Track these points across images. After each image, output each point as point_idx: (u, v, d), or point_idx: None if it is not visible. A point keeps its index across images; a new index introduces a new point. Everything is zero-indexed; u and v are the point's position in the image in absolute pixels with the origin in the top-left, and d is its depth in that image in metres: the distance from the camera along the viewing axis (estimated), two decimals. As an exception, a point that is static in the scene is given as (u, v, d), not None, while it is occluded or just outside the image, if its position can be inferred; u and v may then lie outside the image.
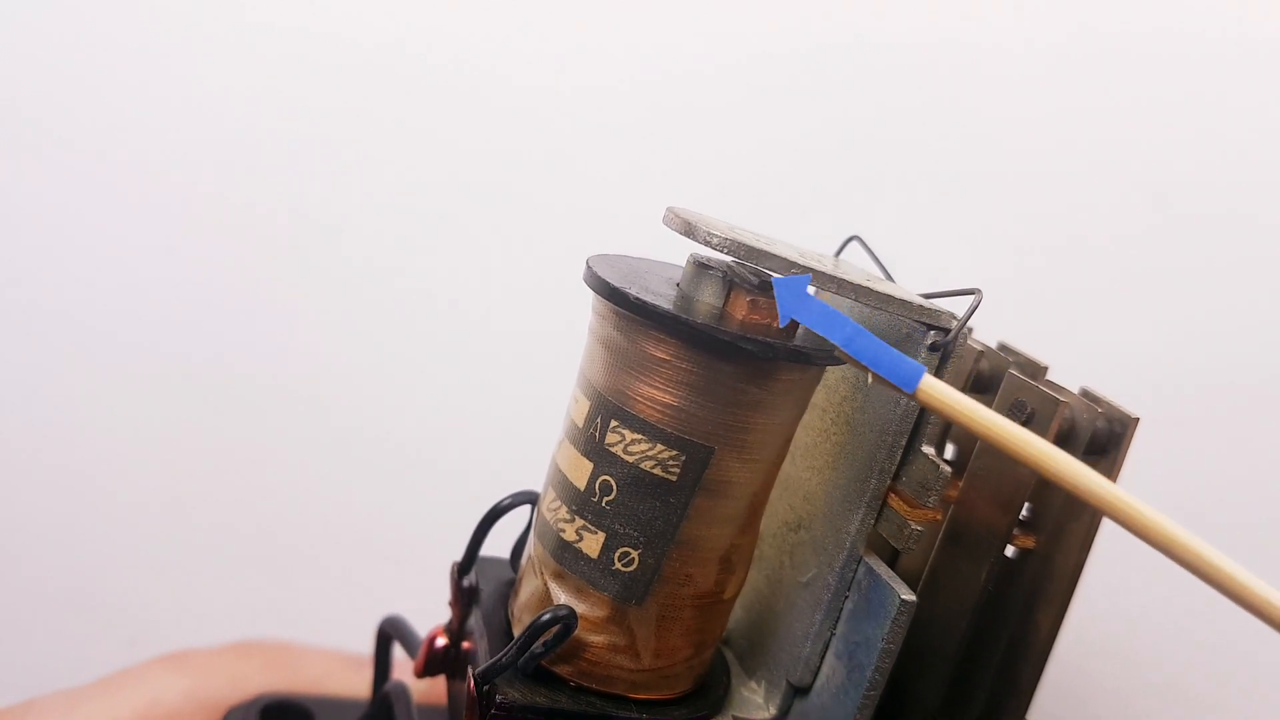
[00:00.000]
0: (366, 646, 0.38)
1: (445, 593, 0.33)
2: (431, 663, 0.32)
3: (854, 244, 0.32)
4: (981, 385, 0.31)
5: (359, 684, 0.40)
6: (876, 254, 0.31)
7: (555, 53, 0.50)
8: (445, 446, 0.52)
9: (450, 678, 0.33)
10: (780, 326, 0.25)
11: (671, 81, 0.50)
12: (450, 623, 0.32)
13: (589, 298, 0.28)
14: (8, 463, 0.53)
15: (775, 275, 0.26)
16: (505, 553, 0.33)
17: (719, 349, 0.25)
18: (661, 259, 0.31)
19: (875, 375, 0.25)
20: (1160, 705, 0.43)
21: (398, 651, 0.37)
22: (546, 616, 0.27)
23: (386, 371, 0.53)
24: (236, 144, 0.51)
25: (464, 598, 0.32)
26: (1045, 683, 0.31)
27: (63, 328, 0.52)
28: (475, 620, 0.31)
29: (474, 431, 0.52)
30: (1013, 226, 0.48)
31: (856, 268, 0.31)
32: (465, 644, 0.32)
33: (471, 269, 0.52)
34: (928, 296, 0.28)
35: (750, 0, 0.48)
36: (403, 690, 0.35)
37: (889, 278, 0.31)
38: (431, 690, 0.38)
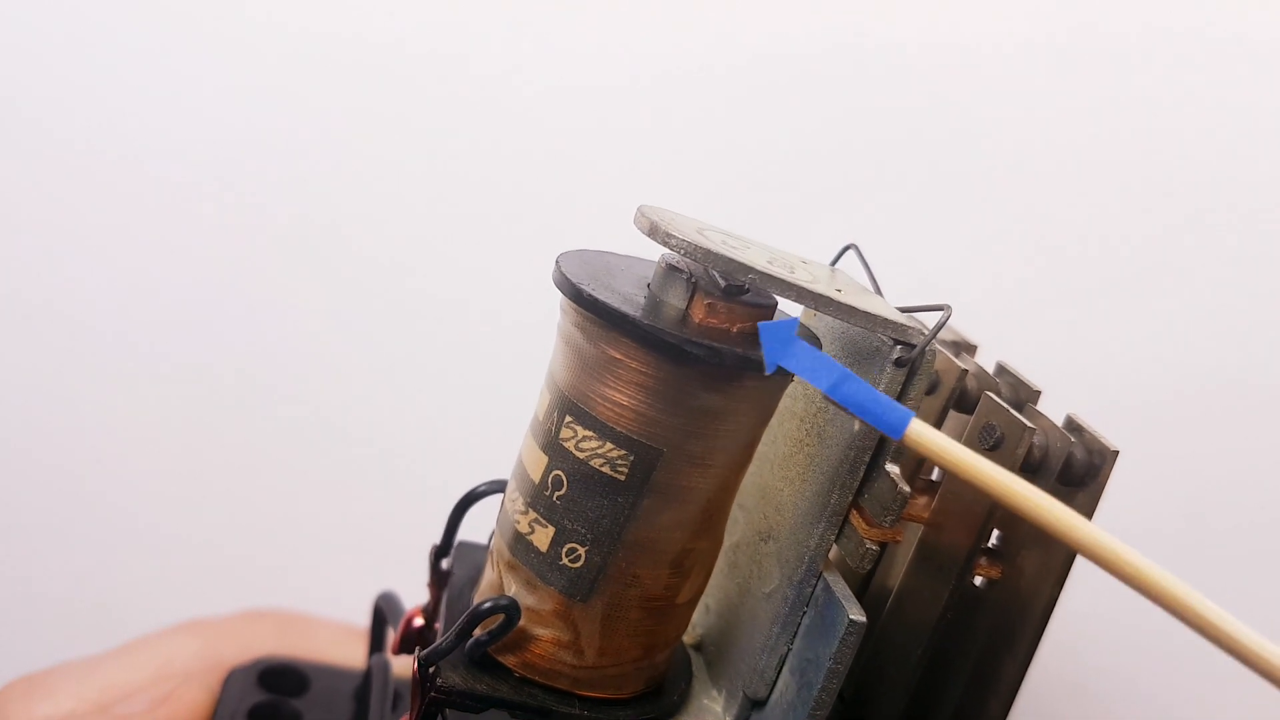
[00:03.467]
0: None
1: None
2: (407, 641, 0.33)
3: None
4: (966, 405, 0.29)
5: (362, 655, 0.41)
6: (870, 263, 0.31)
7: (555, 54, 0.50)
8: (457, 440, 0.52)
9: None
10: (733, 332, 0.25)
11: (673, 83, 0.49)
12: (428, 604, 0.33)
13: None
14: (8, 463, 0.53)
15: (729, 279, 0.25)
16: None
17: (670, 352, 0.25)
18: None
19: (862, 421, 0.24)
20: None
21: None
22: (487, 605, 0.27)
23: (392, 369, 0.53)
24: (235, 143, 0.51)
25: (441, 581, 0.33)
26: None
27: (62, 326, 0.52)
28: (445, 603, 0.32)
29: (484, 427, 0.52)
30: (1013, 228, 0.46)
31: (851, 277, 0.30)
32: (438, 625, 0.32)
33: (472, 269, 0.52)
34: (902, 311, 0.27)
35: (749, 2, 0.47)
36: (383, 664, 0.36)
37: (877, 289, 0.30)
38: None
